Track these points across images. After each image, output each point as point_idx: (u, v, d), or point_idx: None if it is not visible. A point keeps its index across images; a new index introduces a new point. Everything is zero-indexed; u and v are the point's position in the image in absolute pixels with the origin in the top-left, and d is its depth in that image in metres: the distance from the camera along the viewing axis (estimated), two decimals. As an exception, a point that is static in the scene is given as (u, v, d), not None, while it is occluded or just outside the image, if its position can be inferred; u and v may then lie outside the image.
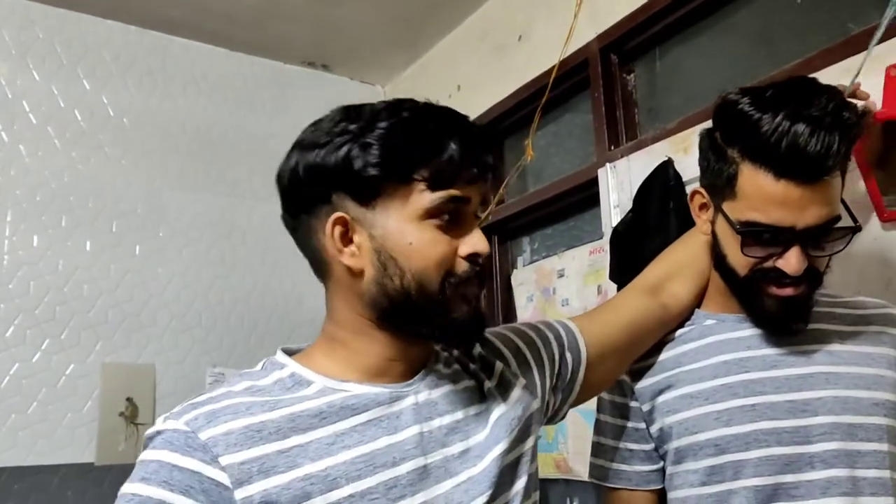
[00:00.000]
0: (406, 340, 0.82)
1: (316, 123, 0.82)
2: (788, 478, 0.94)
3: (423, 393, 0.83)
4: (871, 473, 0.93)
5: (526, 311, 2.24)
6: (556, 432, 2.05)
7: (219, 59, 2.64)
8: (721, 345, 1.02)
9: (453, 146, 0.77)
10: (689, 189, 1.54)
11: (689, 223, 1.43)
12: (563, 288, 2.10)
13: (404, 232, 0.77)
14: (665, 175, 1.54)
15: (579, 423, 1.91)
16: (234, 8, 2.40)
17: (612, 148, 1.92)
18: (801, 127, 0.85)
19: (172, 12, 2.42)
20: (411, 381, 0.83)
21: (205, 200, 2.50)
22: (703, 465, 0.98)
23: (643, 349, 1.07)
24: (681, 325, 1.08)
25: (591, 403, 1.11)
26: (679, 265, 1.10)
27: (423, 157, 0.77)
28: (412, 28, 2.58)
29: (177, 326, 2.39)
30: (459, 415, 0.83)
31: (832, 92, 0.91)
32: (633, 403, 1.07)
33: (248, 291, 2.53)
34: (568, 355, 0.98)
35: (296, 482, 0.72)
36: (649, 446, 1.06)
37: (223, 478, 0.71)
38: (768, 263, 0.93)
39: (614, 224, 1.70)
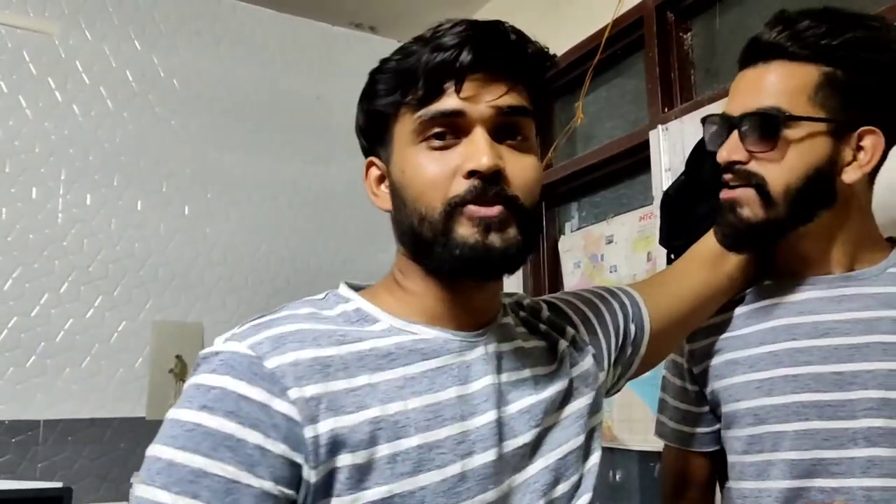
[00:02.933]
0: (450, 282, 0.75)
1: None
2: (828, 453, 0.89)
3: (492, 345, 0.77)
4: None
5: (573, 278, 2.20)
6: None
7: (267, 20, 2.63)
8: (772, 309, 0.97)
9: (433, 56, 0.71)
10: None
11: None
12: (612, 254, 2.05)
13: (401, 161, 0.74)
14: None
15: (624, 391, 1.88)
16: (283, -33, 2.39)
17: (666, 110, 1.86)
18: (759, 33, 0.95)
19: (221, -28, 2.41)
20: (481, 331, 0.77)
21: (252, 162, 2.51)
22: (745, 434, 0.95)
23: (703, 321, 1.02)
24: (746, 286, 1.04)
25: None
26: None
27: (403, 80, 0.73)
28: (461, -12, 2.52)
29: (224, 287, 2.42)
30: (527, 372, 0.79)
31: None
32: (686, 364, 1.05)
33: (294, 253, 2.54)
34: (632, 327, 0.92)
35: (364, 424, 0.67)
36: (702, 409, 1.04)
37: (293, 412, 0.65)
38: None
39: (665, 188, 1.65)
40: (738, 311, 1.01)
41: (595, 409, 0.83)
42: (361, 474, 0.66)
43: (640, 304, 0.94)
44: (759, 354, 0.95)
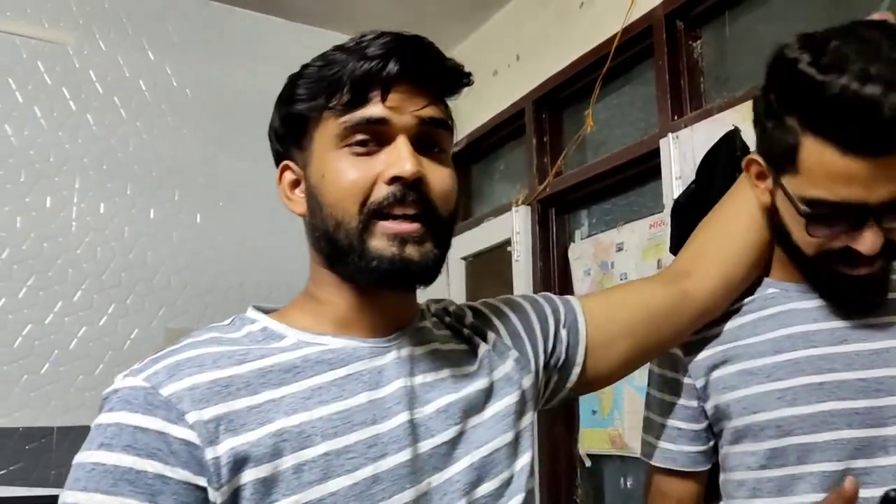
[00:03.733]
0: (363, 290, 0.76)
1: None
2: (859, 463, 0.86)
3: (405, 349, 0.78)
4: None
5: (583, 285, 2.20)
6: (612, 408, 2.03)
7: (277, 30, 2.65)
8: (784, 316, 0.94)
9: (353, 66, 0.72)
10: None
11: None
12: (622, 262, 2.05)
13: (321, 165, 0.74)
14: (732, 145, 1.48)
15: (636, 398, 1.88)
16: (294, -23, 2.40)
17: (676, 118, 1.86)
18: (871, 90, 0.73)
19: (233, -18, 2.43)
20: (393, 335, 0.78)
21: (264, 170, 2.51)
22: (764, 448, 0.91)
23: (665, 339, 0.96)
24: (743, 295, 1.00)
25: (644, 378, 1.08)
26: (714, 244, 0.99)
27: (334, 81, 0.73)
28: (471, -3, 2.54)
29: (236, 294, 2.43)
30: (444, 373, 0.78)
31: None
32: (685, 379, 0.99)
33: (306, 260, 2.55)
34: (563, 333, 0.90)
35: (267, 438, 0.67)
36: (700, 426, 0.99)
37: (192, 436, 0.65)
38: (838, 242, 0.83)
39: (676, 196, 1.65)
40: (744, 319, 0.98)
41: (521, 410, 0.82)
42: (267, 487, 0.66)
43: (576, 311, 0.92)
44: (778, 363, 0.92)
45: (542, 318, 0.91)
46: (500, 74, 2.61)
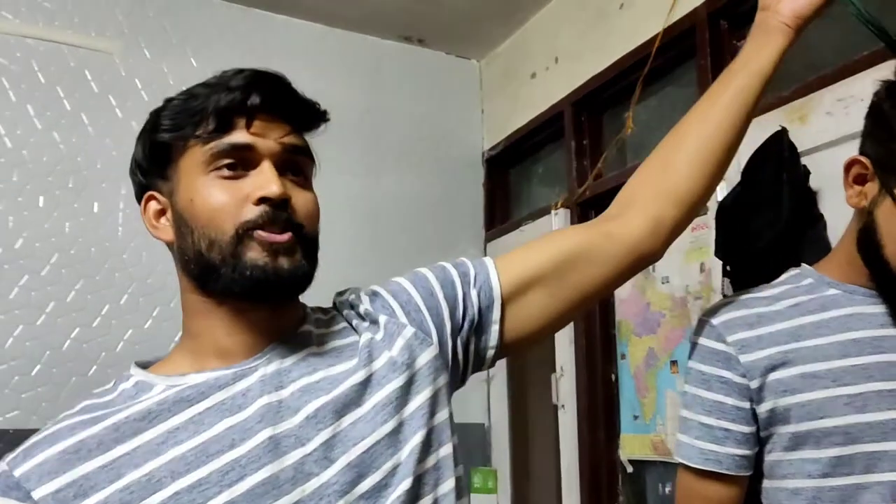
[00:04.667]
0: (234, 307, 0.78)
1: None
2: None
3: (274, 363, 0.78)
4: None
5: (623, 290, 2.18)
6: (655, 413, 2.00)
7: (317, 35, 2.67)
8: (849, 320, 0.92)
9: (216, 95, 0.77)
10: (805, 161, 1.45)
11: (803, 196, 1.34)
12: (663, 265, 2.02)
13: (189, 190, 0.78)
14: (779, 145, 1.45)
15: (679, 402, 1.85)
16: (333, -17, 2.42)
17: (720, 119, 1.83)
18: None
19: (274, -11, 2.46)
20: (260, 353, 0.79)
21: (304, 175, 2.55)
22: (828, 455, 0.88)
23: (586, 284, 0.91)
24: (797, 293, 0.98)
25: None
26: (644, 182, 0.95)
27: (192, 116, 0.78)
28: (509, 0, 2.53)
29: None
30: (318, 375, 0.78)
31: None
32: (737, 379, 0.96)
33: (343, 267, 2.56)
34: (473, 293, 0.88)
35: (114, 495, 0.69)
36: (750, 429, 0.96)
37: None
38: None
39: (720, 198, 1.62)
40: (805, 320, 0.95)
41: (409, 390, 0.80)
42: None
43: (488, 269, 0.90)
44: (845, 367, 0.90)
45: (445, 285, 0.89)
46: (539, 77, 2.59)
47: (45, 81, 2.24)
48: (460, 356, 0.88)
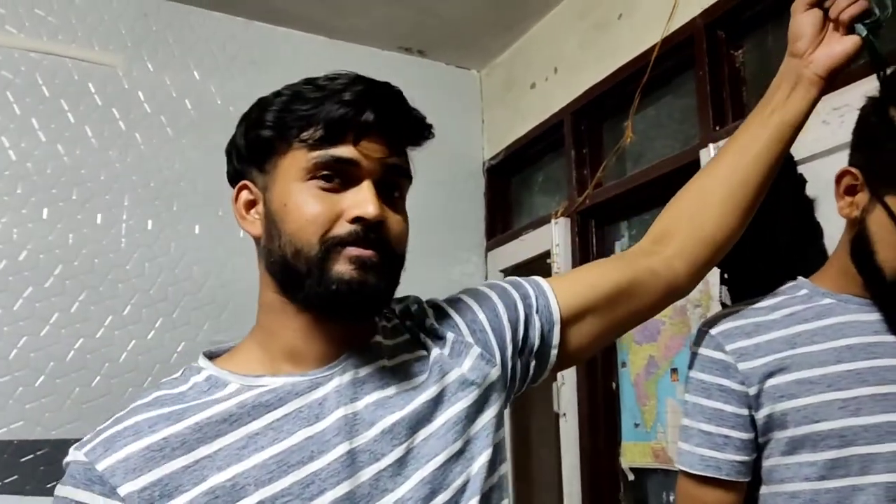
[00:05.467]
0: (315, 314, 0.78)
1: None
2: None
3: (349, 373, 0.78)
4: None
5: (624, 298, 2.19)
6: (656, 420, 2.01)
7: (318, 47, 2.69)
8: (843, 327, 0.95)
9: (333, 106, 0.76)
10: (801, 169, 1.46)
11: (799, 206, 1.35)
12: (664, 274, 2.03)
13: (284, 193, 0.77)
14: (775, 155, 1.46)
15: (679, 411, 1.85)
16: (334, -4, 2.45)
17: (717, 128, 1.84)
18: None
19: (276, 3, 2.49)
20: (335, 362, 0.79)
21: (305, 185, 2.57)
22: (824, 458, 0.91)
23: (633, 316, 0.98)
24: (793, 303, 1.00)
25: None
26: (674, 223, 0.99)
27: (304, 118, 0.77)
28: (510, 10, 2.55)
29: (279, 307, 2.47)
30: (391, 390, 0.79)
31: None
32: (736, 386, 0.99)
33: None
34: (536, 318, 0.91)
35: (199, 498, 0.69)
36: (749, 435, 0.98)
37: None
38: None
39: (719, 207, 1.64)
40: (800, 328, 0.98)
41: (478, 409, 0.82)
42: None
43: (547, 293, 0.93)
44: (839, 373, 0.92)
45: (509, 307, 0.91)
46: (539, 87, 2.61)
47: (49, 94, 2.26)
48: (518, 377, 0.91)
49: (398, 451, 0.76)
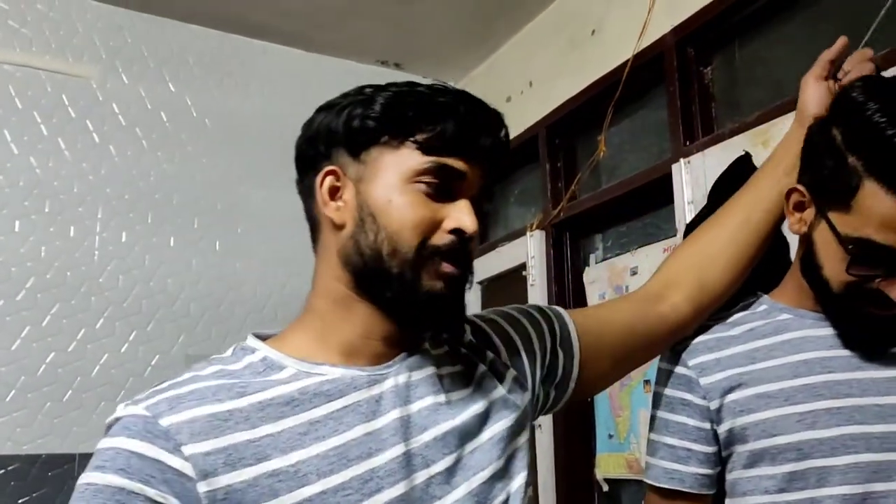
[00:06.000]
0: (382, 314, 0.78)
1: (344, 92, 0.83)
2: (878, 486, 0.88)
3: (403, 375, 0.78)
4: None
5: (598, 309, 2.21)
6: (629, 432, 2.02)
7: (295, 60, 2.70)
8: (800, 342, 0.97)
9: (455, 118, 0.76)
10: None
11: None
12: (637, 286, 2.06)
13: (388, 190, 0.76)
14: (743, 169, 1.49)
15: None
16: (312, 8, 2.46)
17: (688, 143, 1.88)
18: None
19: (253, 15, 2.49)
20: (391, 362, 0.79)
21: (282, 198, 2.55)
22: (783, 471, 0.92)
23: (640, 358, 1.03)
24: (753, 319, 1.02)
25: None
26: (683, 272, 1.03)
27: (422, 120, 0.76)
28: (485, 24, 2.58)
29: (254, 320, 2.46)
30: (442, 397, 0.79)
31: None
32: (698, 401, 1.01)
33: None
34: (560, 350, 0.93)
35: (262, 478, 0.68)
36: (711, 448, 1.00)
37: (187, 468, 0.66)
38: (870, 284, 0.87)
39: (689, 221, 1.67)
40: (759, 343, 1.00)
41: (517, 430, 0.84)
42: None
43: (569, 327, 0.95)
44: (796, 387, 0.94)
45: (540, 336, 0.93)
46: (514, 100, 2.64)
47: (21, 106, 2.24)
48: (539, 405, 0.93)
49: (448, 460, 0.76)
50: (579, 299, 2.32)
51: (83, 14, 2.37)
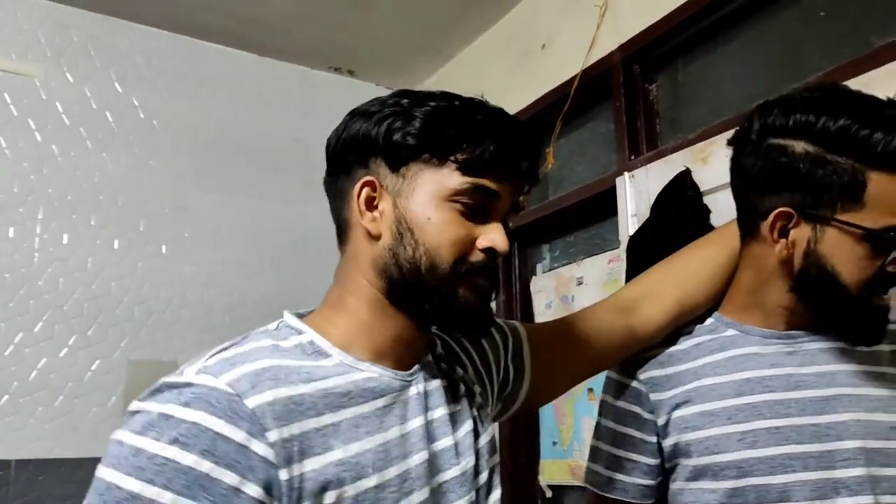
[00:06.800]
0: (411, 321, 0.81)
1: (377, 98, 0.84)
2: None
3: (421, 384, 0.83)
4: (893, 500, 0.90)
5: (544, 318, 2.24)
6: (573, 439, 2.06)
7: (248, 64, 2.68)
8: (744, 360, 0.99)
9: (494, 139, 0.79)
10: (706, 200, 1.55)
11: (705, 233, 1.43)
12: (582, 296, 2.10)
13: (427, 207, 0.78)
14: (683, 184, 1.55)
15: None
16: (266, 13, 2.45)
17: (633, 157, 1.93)
18: None
19: (205, 18, 2.47)
20: (414, 370, 0.83)
21: (231, 202, 2.55)
22: (724, 487, 0.95)
23: (602, 366, 1.07)
24: (701, 333, 1.05)
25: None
26: (662, 285, 1.06)
27: (463, 140, 0.78)
28: (439, 34, 2.60)
29: (201, 325, 2.43)
30: (444, 409, 0.84)
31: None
32: (647, 415, 1.03)
33: (271, 293, 2.56)
34: (512, 366, 0.98)
35: (330, 467, 0.70)
36: (655, 461, 1.03)
37: (270, 455, 0.66)
38: (890, 269, 0.89)
39: (632, 233, 1.71)
40: (706, 360, 1.02)
41: (493, 447, 0.89)
42: None
43: (523, 343, 1.00)
44: (738, 406, 0.96)
45: (495, 352, 0.97)
46: (465, 111, 2.66)
47: (-40, 103, 2.18)
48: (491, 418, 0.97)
49: (454, 471, 0.81)
50: (526, 308, 2.35)
51: (29, 11, 2.32)
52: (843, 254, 0.90)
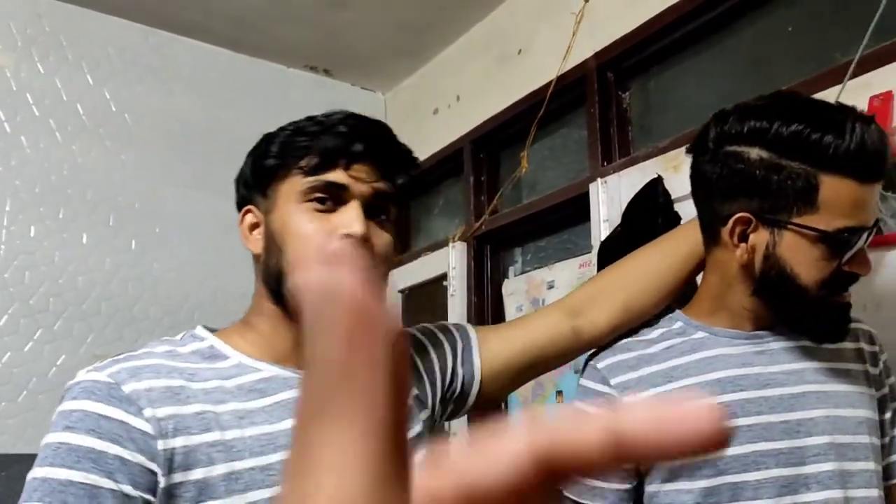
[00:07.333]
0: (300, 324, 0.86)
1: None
2: (786, 500, 0.93)
3: None
4: (861, 493, 0.94)
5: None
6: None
7: (222, 60, 2.67)
8: (714, 361, 1.01)
9: (334, 136, 0.87)
10: (677, 207, 1.57)
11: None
12: (553, 299, 2.11)
13: (283, 214, 0.87)
14: (654, 191, 1.57)
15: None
16: (242, 10, 2.44)
17: (605, 164, 1.95)
18: (868, 129, 0.88)
19: (180, 13, 2.45)
20: None
21: (202, 198, 2.53)
22: (699, 486, 0.96)
23: (550, 367, 1.10)
24: (670, 336, 1.06)
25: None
26: (611, 288, 1.09)
27: (306, 147, 0.87)
28: (416, 36, 2.61)
29: (168, 322, 2.41)
30: None
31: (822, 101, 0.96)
32: None
33: (241, 290, 2.54)
34: (460, 370, 1.01)
35: (204, 446, 0.78)
36: (630, 465, 1.06)
37: (148, 428, 0.77)
38: (839, 271, 0.92)
39: (603, 239, 1.73)
40: (677, 361, 1.03)
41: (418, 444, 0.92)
42: (200, 490, 0.78)
43: (472, 343, 1.03)
44: None
45: (441, 356, 1.00)
46: (441, 113, 2.68)
47: (-74, 90, 2.14)
48: (436, 420, 1.01)
49: None
50: (498, 310, 2.37)
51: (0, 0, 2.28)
52: (800, 256, 0.93)
